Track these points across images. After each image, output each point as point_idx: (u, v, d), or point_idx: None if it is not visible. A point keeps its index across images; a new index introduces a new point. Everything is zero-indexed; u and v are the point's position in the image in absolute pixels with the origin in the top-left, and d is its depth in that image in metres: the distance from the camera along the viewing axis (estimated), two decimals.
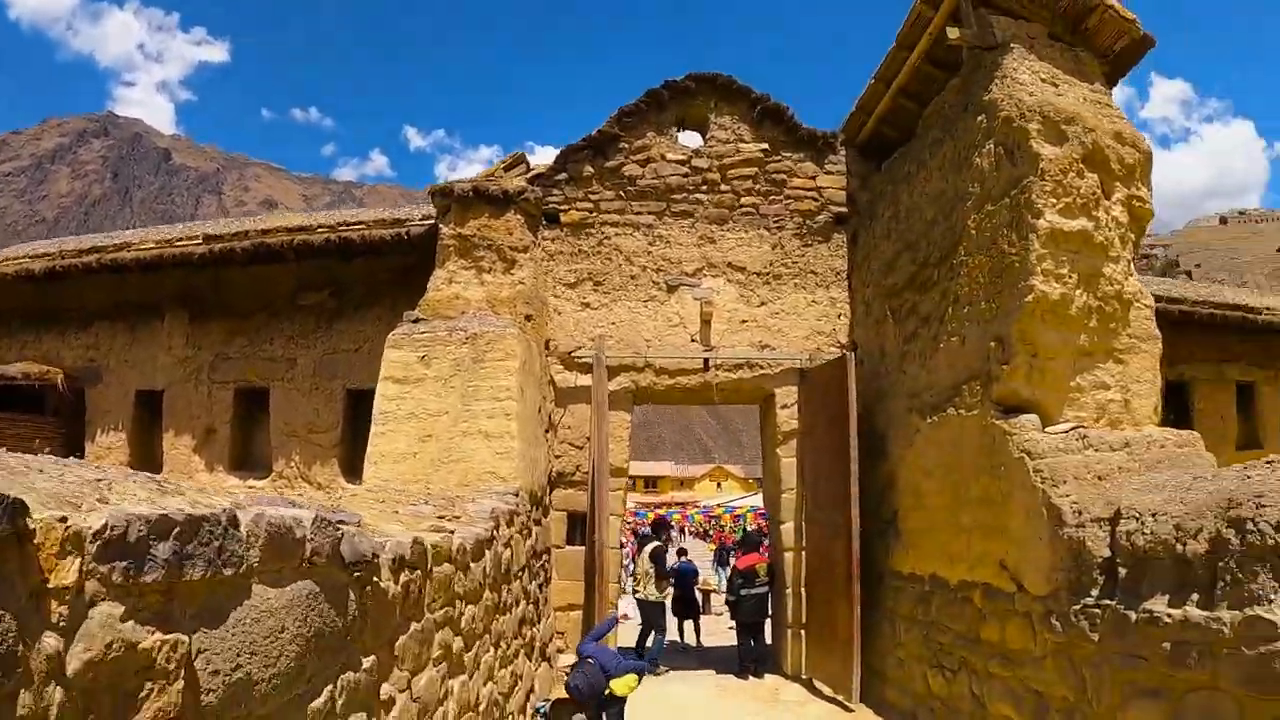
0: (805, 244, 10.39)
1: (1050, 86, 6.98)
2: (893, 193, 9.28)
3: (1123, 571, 5.05)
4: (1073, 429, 6.37)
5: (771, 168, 10.52)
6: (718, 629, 14.35)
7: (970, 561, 6.70)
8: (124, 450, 12.38)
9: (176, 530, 2.03)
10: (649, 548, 11.03)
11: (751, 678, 9.72)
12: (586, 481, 9.57)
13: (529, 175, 10.52)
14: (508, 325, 8.86)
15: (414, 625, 4.03)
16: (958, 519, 6.96)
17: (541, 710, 7.76)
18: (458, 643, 4.90)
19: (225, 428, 12.08)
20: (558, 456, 9.76)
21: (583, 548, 9.55)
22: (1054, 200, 6.67)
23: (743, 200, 10.46)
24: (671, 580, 14.01)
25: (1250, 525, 4.14)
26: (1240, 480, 4.73)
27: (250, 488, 10.48)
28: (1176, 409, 12.11)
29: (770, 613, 10.16)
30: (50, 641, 1.66)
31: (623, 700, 6.43)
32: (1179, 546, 4.65)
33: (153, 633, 1.96)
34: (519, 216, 10.02)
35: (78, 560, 1.74)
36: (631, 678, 6.43)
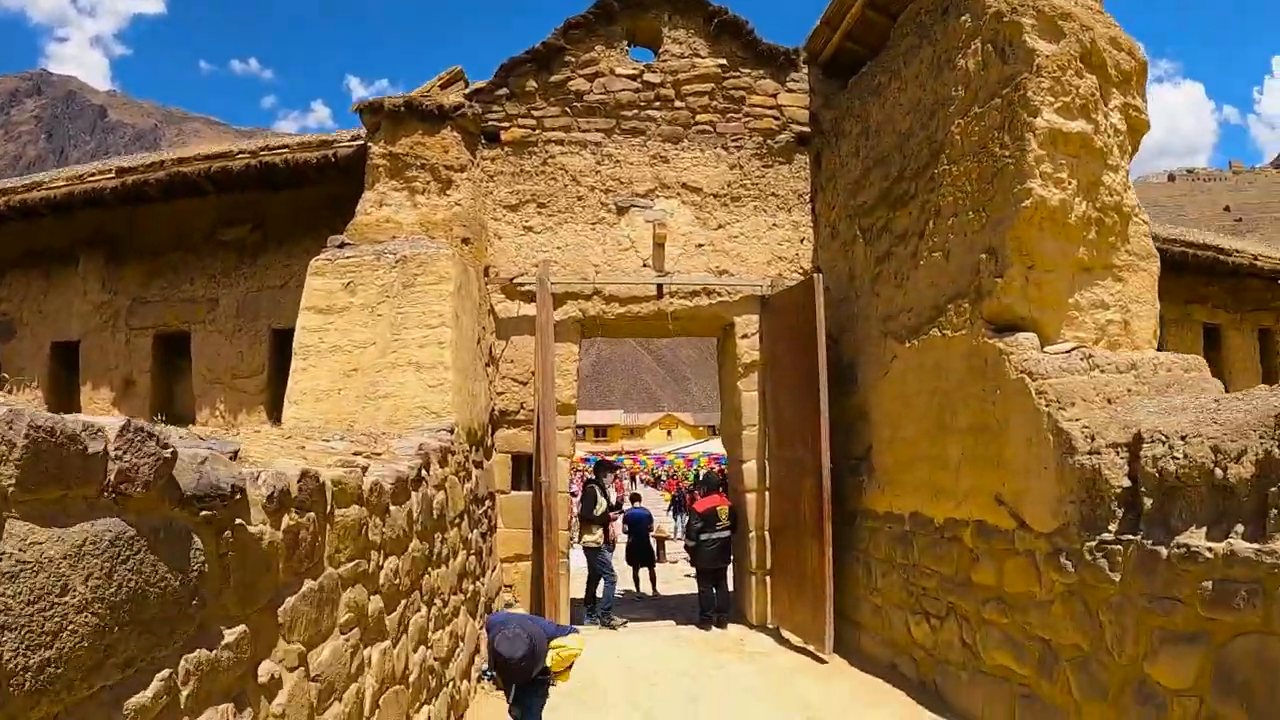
0: (766, 165, 9.57)
1: None
2: (861, 108, 8.48)
3: (1147, 502, 4.39)
4: (1074, 349, 5.70)
5: (729, 84, 9.65)
6: (672, 577, 13.75)
7: (958, 497, 6.04)
8: (40, 409, 11.19)
9: None
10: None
11: (714, 628, 9.08)
12: (532, 420, 8.74)
13: (467, 91, 9.50)
14: (441, 247, 7.92)
15: (309, 584, 3.18)
16: (943, 451, 6.28)
17: (489, 674, 7.00)
18: (376, 603, 4.07)
19: (145, 377, 11.06)
20: (500, 394, 8.89)
21: (529, 493, 8.76)
22: (1051, 99, 5.96)
23: (698, 118, 9.59)
24: (625, 527, 13.41)
25: None
26: None
27: None
28: None
29: (732, 559, 9.50)
30: None
31: (549, 681, 5.11)
32: (1217, 471, 4.00)
33: None
34: (455, 134, 9.03)
35: None
36: (578, 640, 5.18)
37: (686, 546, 9.77)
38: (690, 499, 19.56)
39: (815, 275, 8.08)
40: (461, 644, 6.30)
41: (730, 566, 9.51)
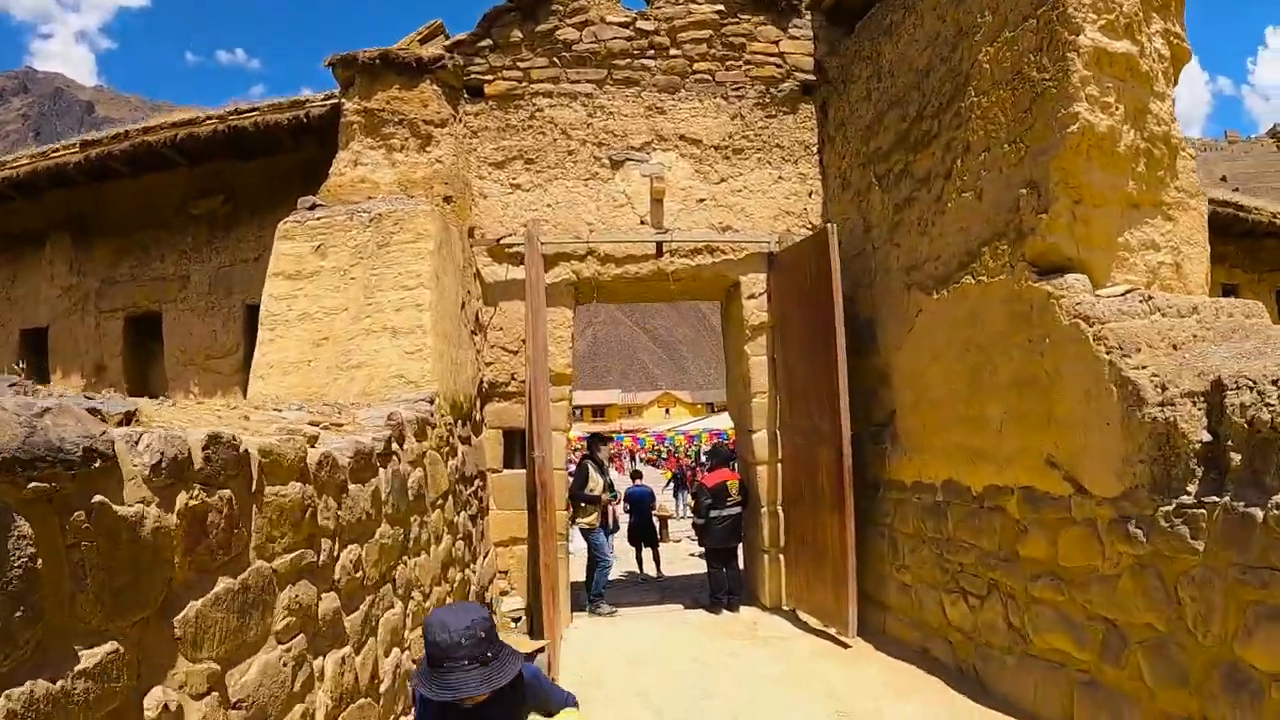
0: (769, 115, 8.85)
1: None
2: (871, 49, 7.76)
3: (1234, 458, 3.74)
4: (1128, 292, 5.03)
5: (728, 31, 8.91)
6: (676, 557, 13.13)
7: (1000, 462, 5.38)
8: None
9: None
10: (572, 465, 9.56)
11: (725, 611, 8.45)
12: (524, 393, 8.08)
13: (448, 44, 8.77)
14: (420, 204, 7.24)
15: (225, 583, 2.52)
16: (981, 411, 5.61)
17: None
18: (330, 602, 3.41)
19: (116, 362, 10.51)
20: (489, 364, 8.22)
21: (523, 471, 8.10)
22: (1094, 16, 5.30)
23: (696, 66, 8.84)
24: (627, 506, 12.81)
25: None
26: None
27: None
28: None
29: (742, 536, 8.86)
30: None
31: None
32: None
33: None
34: (436, 87, 8.31)
35: None
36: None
37: (695, 525, 9.09)
38: (693, 475, 18.99)
39: (829, 226, 7.38)
40: None
41: (740, 545, 8.88)
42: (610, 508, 10.01)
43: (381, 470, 4.37)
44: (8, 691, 1.57)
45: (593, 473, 8.97)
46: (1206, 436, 3.95)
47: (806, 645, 7.12)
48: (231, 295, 9.94)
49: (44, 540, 1.68)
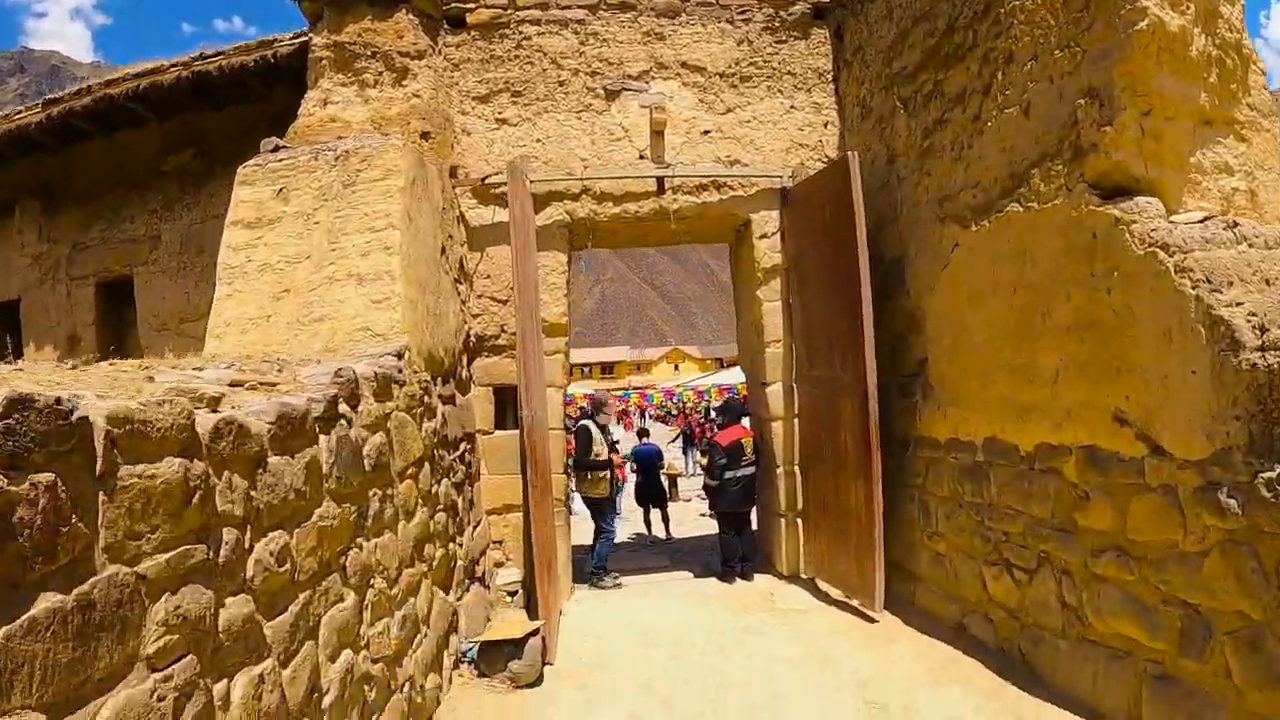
0: (779, 40, 8.01)
1: None
2: None
3: None
4: (1207, 219, 4.25)
5: None
6: (686, 518, 12.47)
7: (1057, 417, 4.63)
8: None
9: None
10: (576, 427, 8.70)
11: (739, 580, 7.81)
12: (515, 346, 7.36)
13: None
14: (391, 139, 6.46)
15: (47, 600, 1.83)
16: (1031, 358, 4.86)
17: (468, 654, 5.77)
18: (236, 608, 2.72)
19: (89, 331, 10.00)
20: (476, 315, 7.49)
21: (516, 431, 7.40)
22: None
23: None
24: (634, 466, 12.17)
25: None
26: None
27: None
28: None
29: (755, 499, 8.19)
30: None
31: None
32: None
33: None
34: (412, 17, 7.48)
35: None
36: None
37: (706, 487, 8.37)
38: (702, 432, 18.29)
39: (850, 153, 6.56)
40: (425, 629, 5.01)
41: (753, 508, 8.22)
42: (615, 471, 9.29)
43: (323, 437, 3.67)
44: None
45: (595, 434, 8.22)
46: None
47: (828, 620, 6.47)
48: (204, 254, 9.24)
49: None
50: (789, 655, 5.75)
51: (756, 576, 7.82)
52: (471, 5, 7.84)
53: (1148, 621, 3.98)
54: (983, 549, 5.37)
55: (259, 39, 8.75)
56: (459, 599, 6.09)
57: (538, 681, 5.57)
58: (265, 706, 2.80)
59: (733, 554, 7.92)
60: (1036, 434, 4.78)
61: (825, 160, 7.68)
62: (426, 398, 5.61)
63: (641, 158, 7.63)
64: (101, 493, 2.06)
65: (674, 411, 35.20)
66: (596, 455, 8.15)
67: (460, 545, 6.33)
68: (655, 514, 11.64)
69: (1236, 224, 4.15)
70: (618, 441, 9.56)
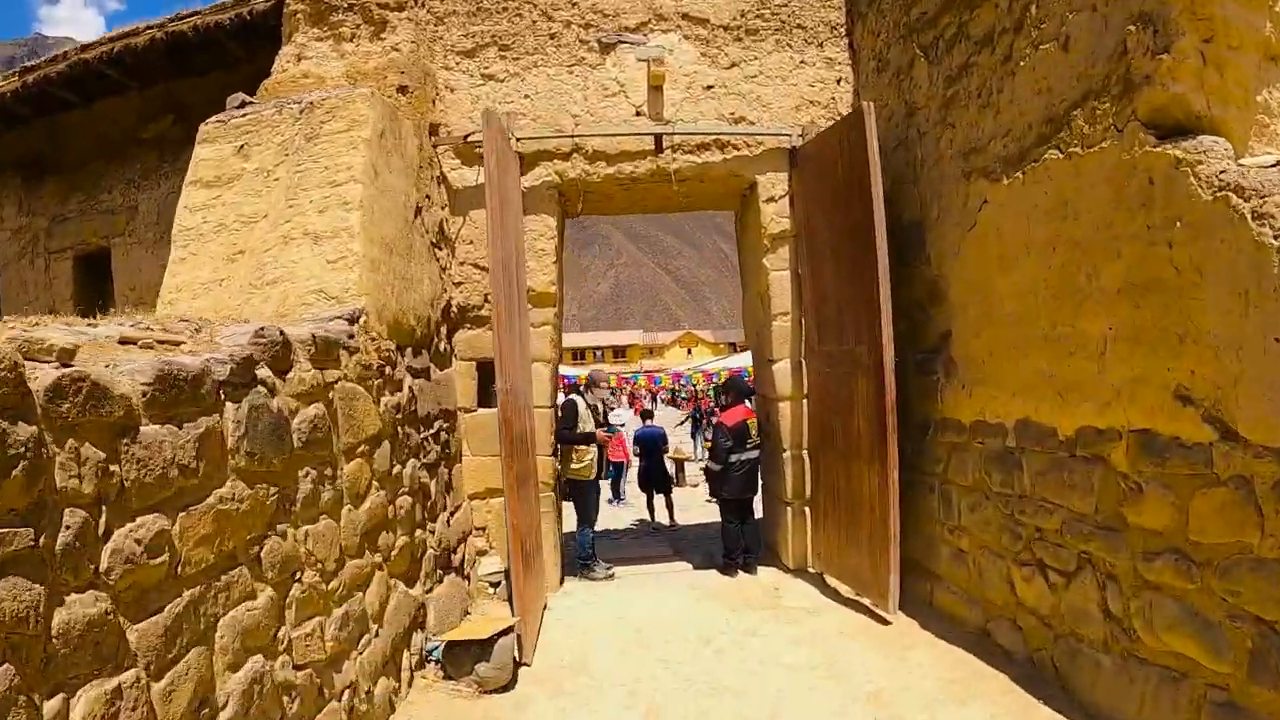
0: None
1: None
2: None
3: None
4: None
5: None
6: (692, 504, 11.83)
7: (1103, 396, 3.96)
8: None
9: None
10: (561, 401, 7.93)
11: (741, 573, 7.21)
12: None
13: None
14: (359, 89, 5.86)
15: None
16: (1074, 327, 4.18)
17: (434, 654, 5.20)
18: (79, 608, 2.16)
19: (67, 307, 9.58)
20: (458, 284, 6.89)
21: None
22: None
23: None
24: (637, 449, 11.60)
25: None
26: None
27: None
28: None
29: (759, 485, 7.58)
30: None
31: None
32: None
33: None
34: None
35: None
36: None
37: (709, 470, 7.72)
38: (710, 414, 17.57)
39: (865, 104, 5.87)
40: (375, 627, 4.43)
41: (755, 495, 7.61)
42: (605, 450, 8.61)
43: (229, 406, 3.09)
44: None
45: (582, 409, 7.55)
46: None
47: (837, 620, 5.85)
48: None
49: None
50: (793, 660, 5.14)
51: (760, 569, 7.22)
52: None
53: (1211, 639, 3.33)
54: (1012, 547, 4.72)
55: None
56: (427, 591, 5.52)
57: (509, 685, 4.99)
58: None
59: (735, 544, 7.32)
60: (1079, 415, 4.12)
61: (838, 118, 7.00)
62: (389, 369, 5.03)
63: (638, 115, 6.98)
64: None
65: (685, 396, 34.36)
66: (582, 428, 7.46)
67: (431, 533, 5.76)
68: (659, 500, 11.05)
69: None
70: (609, 422, 8.87)
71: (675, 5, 7.20)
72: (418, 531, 5.39)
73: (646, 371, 49.68)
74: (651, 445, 11.20)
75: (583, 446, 7.34)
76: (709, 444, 9.70)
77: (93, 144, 9.43)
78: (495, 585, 6.70)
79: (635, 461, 11.87)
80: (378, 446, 4.69)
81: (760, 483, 7.51)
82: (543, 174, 6.90)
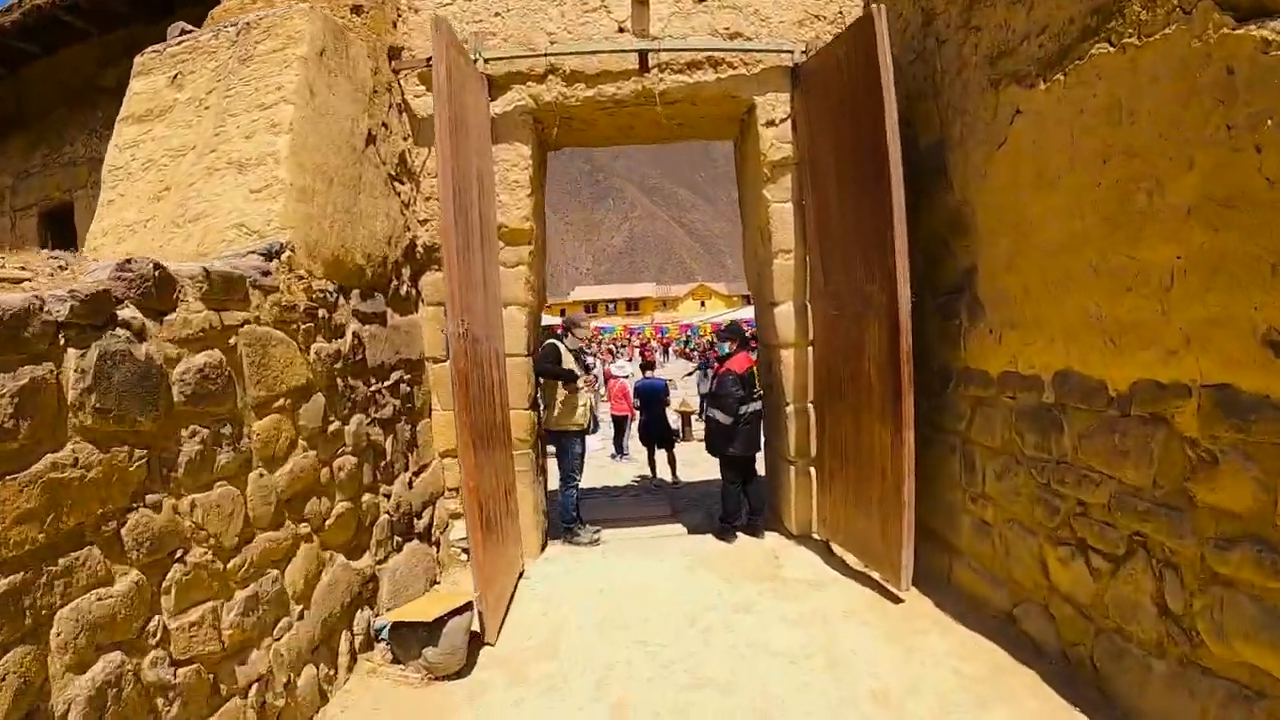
0: None
1: None
2: None
3: None
4: None
5: None
6: (698, 458, 11.09)
7: (1170, 341, 3.21)
8: None
9: None
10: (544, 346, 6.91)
11: (742, 535, 6.57)
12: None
13: None
14: (296, 6, 5.09)
15: None
16: (1132, 257, 3.41)
17: (383, 634, 4.60)
18: None
19: None
20: (423, 221, 6.18)
21: None
22: None
23: None
24: (638, 402, 10.95)
25: None
26: None
27: None
28: None
29: (762, 441, 6.90)
30: None
31: None
32: None
33: None
34: None
35: None
36: None
37: (715, 424, 6.67)
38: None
39: (874, 6, 5.03)
40: (301, 609, 3.82)
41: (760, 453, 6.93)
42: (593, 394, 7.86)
43: (71, 352, 2.45)
44: None
45: (566, 355, 6.74)
46: None
47: (843, 597, 5.19)
48: None
49: None
50: (789, 646, 4.49)
51: (765, 534, 6.57)
52: None
53: None
54: (1047, 521, 4.01)
55: None
56: (380, 562, 4.91)
57: (464, 670, 4.40)
58: None
59: (736, 508, 6.67)
60: (1136, 366, 3.38)
61: None
62: (324, 312, 4.36)
63: (621, 31, 6.14)
64: None
65: (694, 347, 33.33)
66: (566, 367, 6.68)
67: (387, 496, 5.13)
68: (661, 455, 10.43)
69: None
70: (592, 367, 8.10)
71: None
72: (366, 496, 4.76)
73: (654, 324, 48.59)
74: (652, 397, 10.55)
75: (571, 396, 6.63)
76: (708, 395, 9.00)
77: (55, 94, 8.91)
78: (468, 552, 6.09)
79: (638, 415, 11.22)
80: (305, 400, 4.04)
81: (762, 439, 6.82)
82: (515, 98, 6.12)
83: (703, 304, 77.68)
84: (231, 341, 3.42)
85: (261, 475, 3.57)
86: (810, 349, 6.20)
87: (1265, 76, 2.77)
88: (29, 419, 2.27)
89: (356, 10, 5.75)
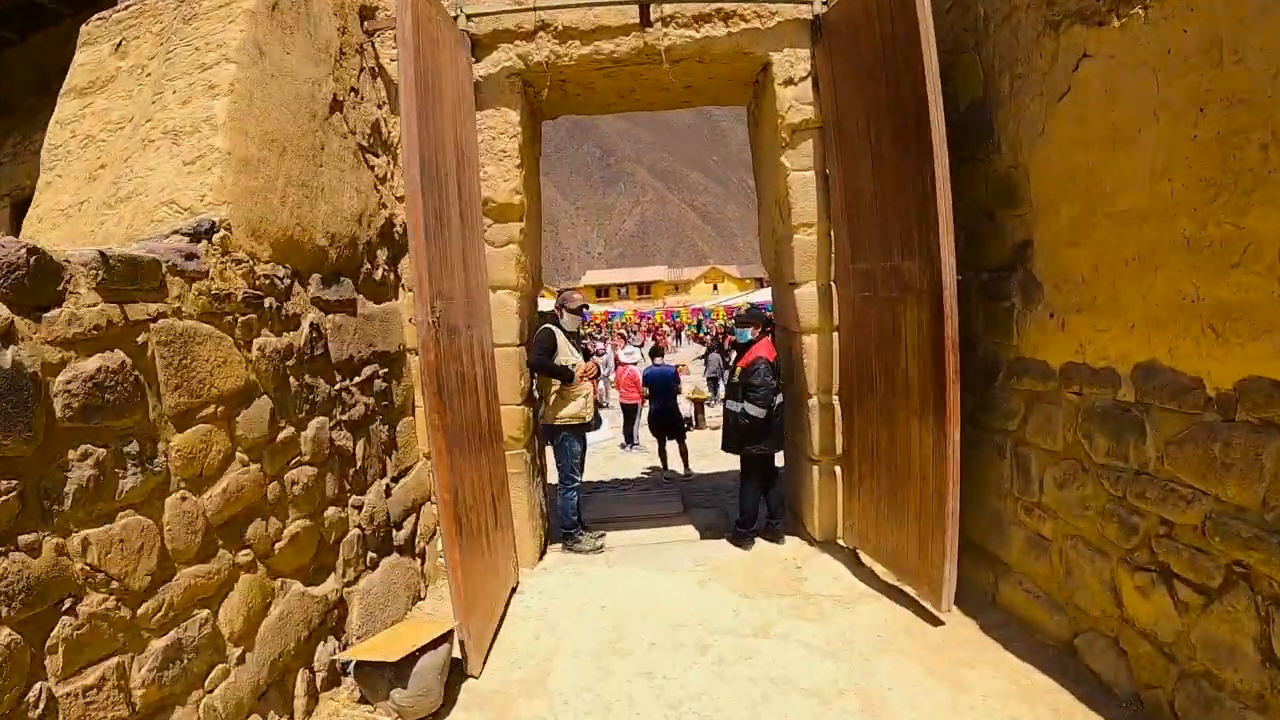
0: None
1: None
2: None
3: None
4: None
5: None
6: (710, 449, 10.51)
7: None
8: None
9: None
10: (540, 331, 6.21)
11: (761, 541, 5.98)
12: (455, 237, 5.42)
13: None
14: None
15: None
16: (1239, 224, 2.75)
17: (347, 667, 4.02)
18: None
19: None
20: (401, 198, 5.56)
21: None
22: None
23: None
24: (647, 391, 10.38)
25: None
26: None
27: None
28: None
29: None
30: None
31: None
32: None
33: None
34: None
35: None
36: None
37: (746, 418, 5.81)
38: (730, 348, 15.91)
39: None
40: (242, 651, 3.24)
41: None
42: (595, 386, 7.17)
43: None
44: None
45: (561, 340, 6.05)
46: None
47: (875, 617, 4.58)
48: None
49: None
50: (816, 681, 3.90)
51: (787, 539, 5.99)
52: None
53: None
54: (1122, 541, 3.39)
55: None
56: (349, 584, 4.33)
57: (442, 711, 3.84)
58: None
59: (754, 513, 6.06)
60: (1243, 360, 2.74)
61: None
62: (272, 301, 3.77)
63: None
64: None
65: (706, 331, 32.40)
66: (562, 362, 6.00)
67: (358, 509, 4.56)
68: (672, 446, 9.85)
69: None
70: (603, 354, 7.42)
71: None
72: (330, 510, 4.18)
73: (665, 307, 47.60)
74: (662, 386, 9.96)
75: (570, 387, 5.99)
76: (729, 383, 8.36)
77: (27, 82, 8.42)
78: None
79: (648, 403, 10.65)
80: (245, 405, 3.45)
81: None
82: (501, 59, 5.48)
83: (715, 287, 76.81)
84: (140, 340, 2.83)
85: (184, 499, 2.99)
86: (835, 335, 5.56)
87: None
88: None
89: None
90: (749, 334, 6.07)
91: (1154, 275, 3.15)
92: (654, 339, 24.69)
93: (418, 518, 5.45)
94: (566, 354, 5.98)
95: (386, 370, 5.17)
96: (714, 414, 13.33)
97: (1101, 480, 3.51)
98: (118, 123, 4.58)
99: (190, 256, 3.20)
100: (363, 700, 3.88)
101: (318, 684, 3.87)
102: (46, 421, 2.36)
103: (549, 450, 6.49)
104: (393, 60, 5.54)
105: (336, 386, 4.42)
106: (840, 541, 5.69)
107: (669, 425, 9.81)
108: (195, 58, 4.09)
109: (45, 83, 8.14)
